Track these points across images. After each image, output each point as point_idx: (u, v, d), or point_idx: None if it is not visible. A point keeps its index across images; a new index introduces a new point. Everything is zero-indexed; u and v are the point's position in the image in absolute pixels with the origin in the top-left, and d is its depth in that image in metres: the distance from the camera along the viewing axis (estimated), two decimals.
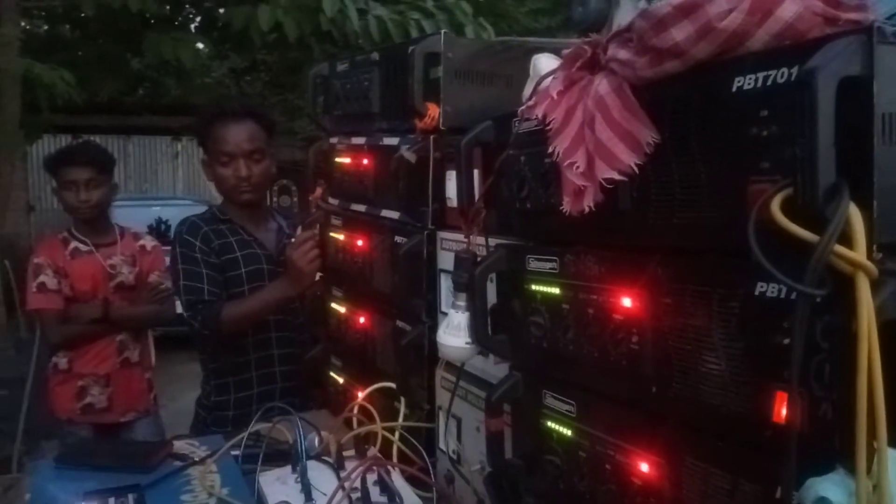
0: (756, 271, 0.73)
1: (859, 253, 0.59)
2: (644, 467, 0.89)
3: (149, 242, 2.90)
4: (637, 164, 0.82)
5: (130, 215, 8.38)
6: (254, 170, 2.08)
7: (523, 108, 0.98)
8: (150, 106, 8.73)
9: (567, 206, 0.90)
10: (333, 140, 1.94)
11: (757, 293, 0.72)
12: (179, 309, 2.87)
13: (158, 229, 7.11)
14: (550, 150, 0.90)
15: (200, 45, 5.64)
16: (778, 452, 0.71)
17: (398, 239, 1.56)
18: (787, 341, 0.69)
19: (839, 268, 0.61)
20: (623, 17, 1.88)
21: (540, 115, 0.92)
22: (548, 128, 0.91)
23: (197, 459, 1.50)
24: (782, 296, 0.70)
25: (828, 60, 0.60)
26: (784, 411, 0.70)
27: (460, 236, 1.39)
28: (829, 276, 0.61)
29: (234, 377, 2.08)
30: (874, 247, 0.61)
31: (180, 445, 1.59)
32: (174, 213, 7.23)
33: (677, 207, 0.81)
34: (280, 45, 6.22)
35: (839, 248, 0.59)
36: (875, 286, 0.59)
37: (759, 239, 0.68)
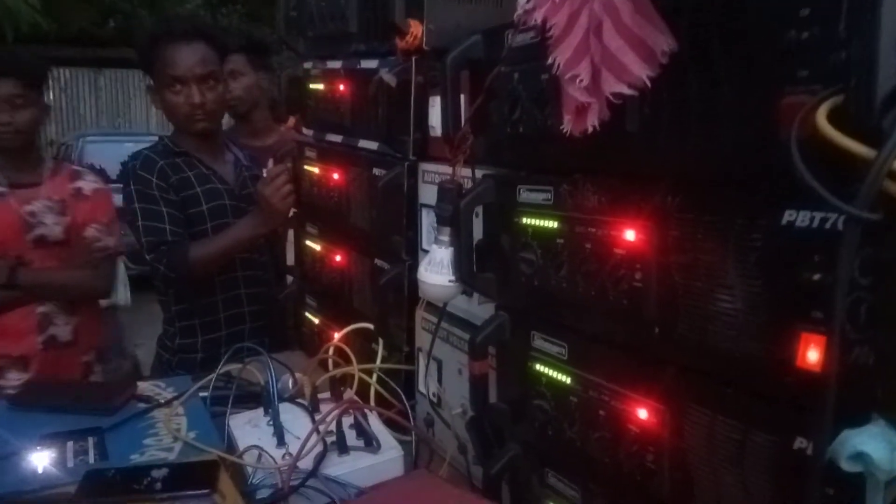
0: (784, 198, 0.64)
1: None
2: (642, 414, 0.82)
3: (88, 184, 2.21)
4: (650, 77, 0.72)
5: (103, 151, 8.16)
6: (208, 96, 1.91)
7: (519, 13, 0.87)
8: (123, 38, 8.39)
9: (568, 125, 0.79)
10: (307, 65, 1.81)
11: (784, 223, 0.64)
12: (125, 272, 2.61)
13: None
14: (550, 61, 0.80)
15: None
16: (799, 401, 0.64)
17: (377, 171, 1.46)
18: (817, 277, 0.61)
19: (889, 191, 0.52)
20: None
21: (539, 21, 0.81)
22: (548, 35, 0.80)
23: (162, 401, 1.42)
24: (814, 225, 0.61)
25: None
26: (810, 356, 0.62)
27: (444, 168, 1.29)
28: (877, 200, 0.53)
29: (201, 319, 1.98)
30: None
31: (145, 387, 1.50)
32: None
33: (695, 127, 0.72)
34: None
35: None
36: None
37: (786, 160, 0.59)
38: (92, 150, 7.98)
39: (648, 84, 0.73)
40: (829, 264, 0.60)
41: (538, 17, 0.81)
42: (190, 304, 1.97)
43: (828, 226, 0.60)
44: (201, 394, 1.48)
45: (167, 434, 1.29)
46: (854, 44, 0.52)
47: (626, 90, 0.73)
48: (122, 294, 2.95)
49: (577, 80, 0.77)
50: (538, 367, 0.99)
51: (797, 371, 0.63)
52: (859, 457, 0.53)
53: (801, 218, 0.62)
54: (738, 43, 0.66)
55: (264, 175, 2.21)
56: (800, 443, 0.64)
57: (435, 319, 1.33)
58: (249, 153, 2.22)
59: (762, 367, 0.67)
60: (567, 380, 0.93)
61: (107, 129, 10.55)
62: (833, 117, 0.54)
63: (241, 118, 2.58)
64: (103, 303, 2.41)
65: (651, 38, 0.72)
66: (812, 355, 0.62)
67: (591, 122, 0.77)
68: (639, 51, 0.73)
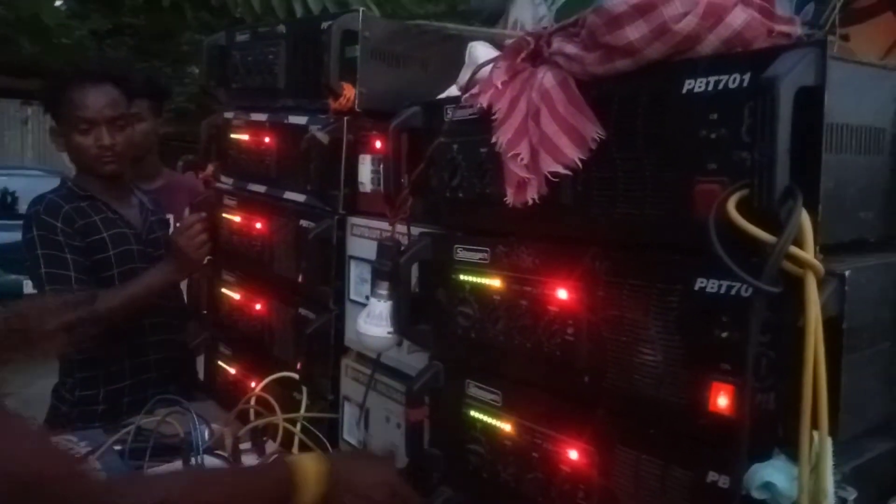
0: (696, 267, 0.76)
1: (809, 253, 0.63)
2: (573, 455, 0.91)
3: None
4: (581, 159, 0.83)
5: None
6: (117, 138, 1.89)
7: (466, 95, 0.96)
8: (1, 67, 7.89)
9: (510, 197, 0.89)
10: (229, 115, 1.83)
11: (697, 288, 0.75)
12: None
13: (4, 201, 6.46)
14: (493, 140, 0.90)
15: (59, 2, 5.17)
16: (711, 439, 0.75)
17: (304, 223, 1.50)
18: (725, 334, 0.73)
19: (786, 268, 0.64)
20: (519, 12, 1.92)
21: (485, 105, 0.91)
22: (493, 118, 0.90)
23: (78, 456, 1.37)
24: (721, 291, 0.73)
25: (787, 69, 0.63)
26: (720, 401, 0.73)
27: (373, 222, 1.36)
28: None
29: (104, 370, 1.91)
30: (817, 248, 0.65)
31: (57, 441, 1.45)
32: (22, 185, 6.56)
33: (619, 203, 0.83)
34: (150, 8, 5.82)
35: (792, 249, 0.63)
36: (819, 285, 0.63)
37: (698, 235, 0.71)
38: None
39: (580, 165, 0.84)
40: (735, 324, 0.72)
41: (484, 101, 0.91)
42: (92, 353, 1.90)
43: (733, 292, 0.72)
44: (115, 448, 1.45)
45: None
46: (756, 149, 0.65)
47: (561, 169, 0.84)
48: None
49: (518, 159, 0.87)
50: (473, 413, 1.06)
51: (709, 414, 0.75)
52: (766, 486, 0.64)
53: (710, 285, 0.74)
54: (659, 135, 0.78)
55: (167, 219, 2.20)
56: (712, 476, 0.75)
57: (361, 367, 1.38)
58: (152, 197, 2.19)
59: (679, 410, 0.78)
60: (501, 425, 1.02)
61: None
62: (740, 206, 0.66)
63: (133, 162, 2.51)
64: None
65: (582, 126, 0.84)
66: (722, 401, 0.73)
67: (531, 195, 0.87)
68: (571, 136, 0.84)
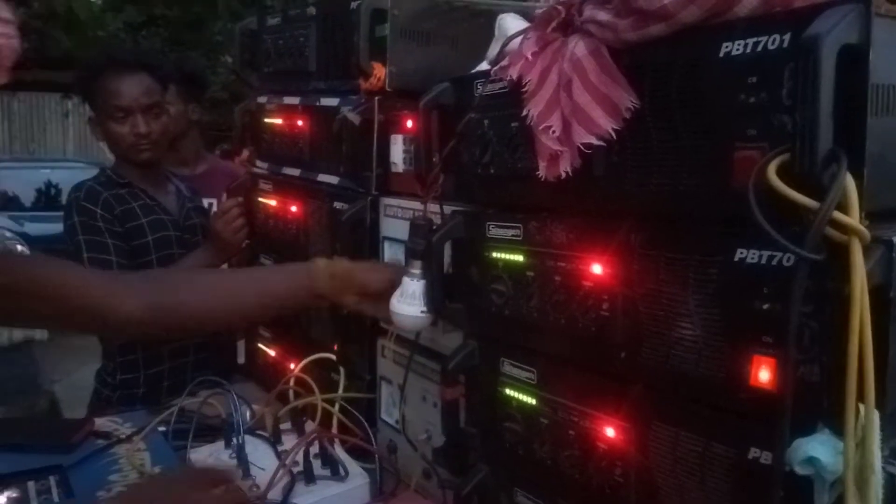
0: (736, 238, 0.74)
1: (854, 219, 0.60)
2: (610, 431, 0.90)
3: None
4: (615, 130, 0.81)
5: (17, 178, 7.83)
6: (153, 126, 1.93)
7: (496, 68, 0.95)
8: (37, 59, 8.08)
9: (543, 171, 0.88)
10: (262, 99, 1.84)
11: (736, 259, 0.73)
12: None
13: (48, 193, 6.63)
14: (525, 113, 0.88)
15: None
16: (753, 415, 0.73)
17: (338, 205, 1.51)
18: (766, 306, 0.71)
19: (829, 234, 0.62)
20: None
21: (515, 77, 0.89)
22: (523, 90, 0.88)
23: (123, 437, 1.41)
24: (762, 262, 0.71)
25: (829, 28, 0.60)
26: (762, 375, 0.71)
27: (406, 202, 1.35)
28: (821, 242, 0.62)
29: (144, 353, 1.96)
30: (862, 214, 0.62)
31: (101, 423, 1.48)
32: (65, 177, 6.73)
33: (655, 173, 0.81)
34: None
35: (836, 214, 0.60)
36: (865, 252, 0.61)
37: (737, 205, 0.69)
38: (4, 177, 7.62)
39: (614, 136, 0.82)
40: (777, 295, 0.70)
41: (514, 73, 0.89)
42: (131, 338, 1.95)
43: (774, 262, 0.70)
44: (159, 428, 1.48)
45: (132, 470, 1.29)
46: (798, 111, 0.62)
47: (594, 141, 0.82)
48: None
49: (550, 131, 0.85)
50: (508, 391, 1.06)
51: (750, 389, 0.73)
52: (810, 461, 0.62)
53: (751, 255, 0.72)
54: (695, 102, 0.76)
55: (205, 206, 2.23)
56: (754, 452, 0.73)
57: (397, 348, 1.38)
58: (188, 185, 2.23)
59: (719, 385, 0.77)
60: (537, 402, 1.01)
61: (20, 155, 10.09)
62: (780, 172, 0.64)
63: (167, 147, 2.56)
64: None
65: (615, 95, 0.81)
66: (763, 375, 0.71)
67: (564, 168, 0.85)
68: (605, 106, 0.82)
